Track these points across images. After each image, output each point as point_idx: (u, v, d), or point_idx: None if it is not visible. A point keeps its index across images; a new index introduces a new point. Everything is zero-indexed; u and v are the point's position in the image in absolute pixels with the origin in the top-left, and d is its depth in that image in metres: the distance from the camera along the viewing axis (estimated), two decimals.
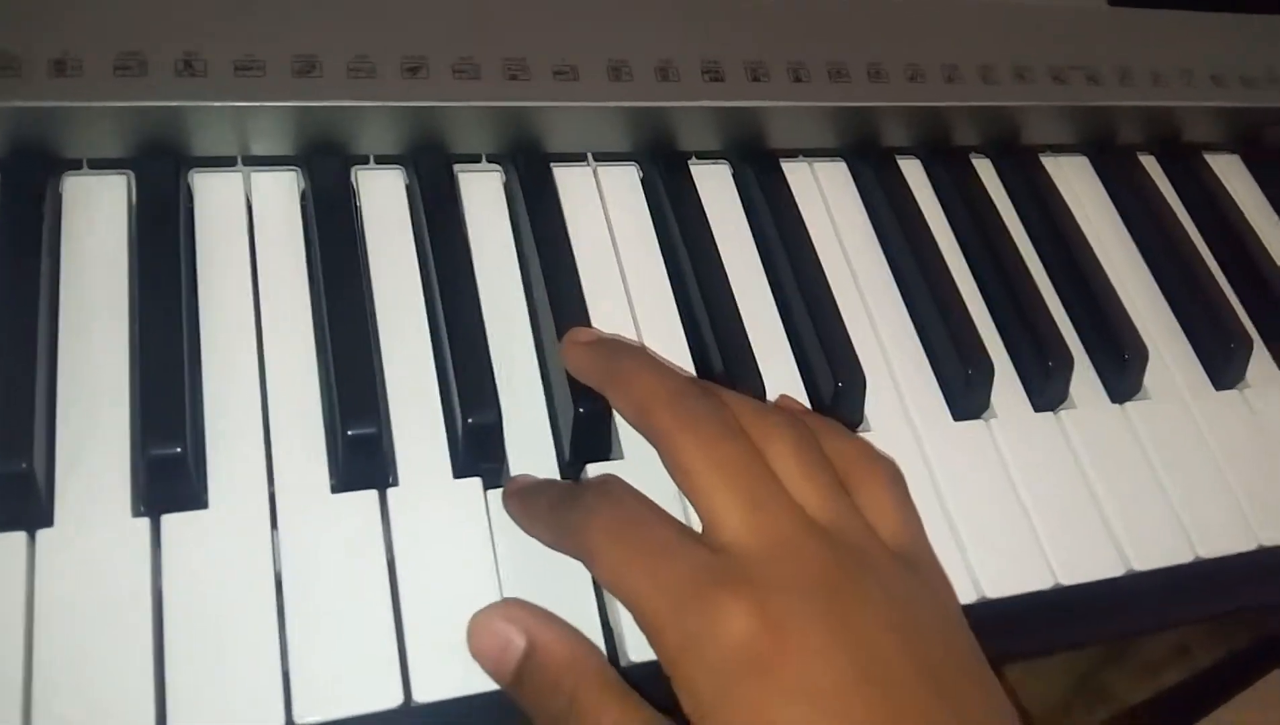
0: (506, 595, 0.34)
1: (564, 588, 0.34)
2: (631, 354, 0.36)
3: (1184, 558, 0.41)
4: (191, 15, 0.38)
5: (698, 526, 0.31)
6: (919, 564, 0.33)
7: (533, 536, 0.35)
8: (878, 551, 0.31)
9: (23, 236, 0.36)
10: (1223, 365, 0.47)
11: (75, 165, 0.39)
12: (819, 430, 0.36)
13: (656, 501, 0.32)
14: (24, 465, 0.32)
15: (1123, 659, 0.50)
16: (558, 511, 0.33)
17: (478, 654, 0.32)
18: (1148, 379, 0.45)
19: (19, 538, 0.32)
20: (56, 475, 0.33)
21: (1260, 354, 0.48)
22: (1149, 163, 0.54)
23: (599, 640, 0.34)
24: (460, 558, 0.35)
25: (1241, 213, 0.53)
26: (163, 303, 0.36)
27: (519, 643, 0.32)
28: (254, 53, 0.38)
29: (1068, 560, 0.40)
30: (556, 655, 0.31)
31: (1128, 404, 0.45)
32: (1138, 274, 0.50)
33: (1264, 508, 0.43)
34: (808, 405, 0.41)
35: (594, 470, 0.37)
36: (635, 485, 0.34)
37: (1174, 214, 0.52)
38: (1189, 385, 0.46)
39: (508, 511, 0.36)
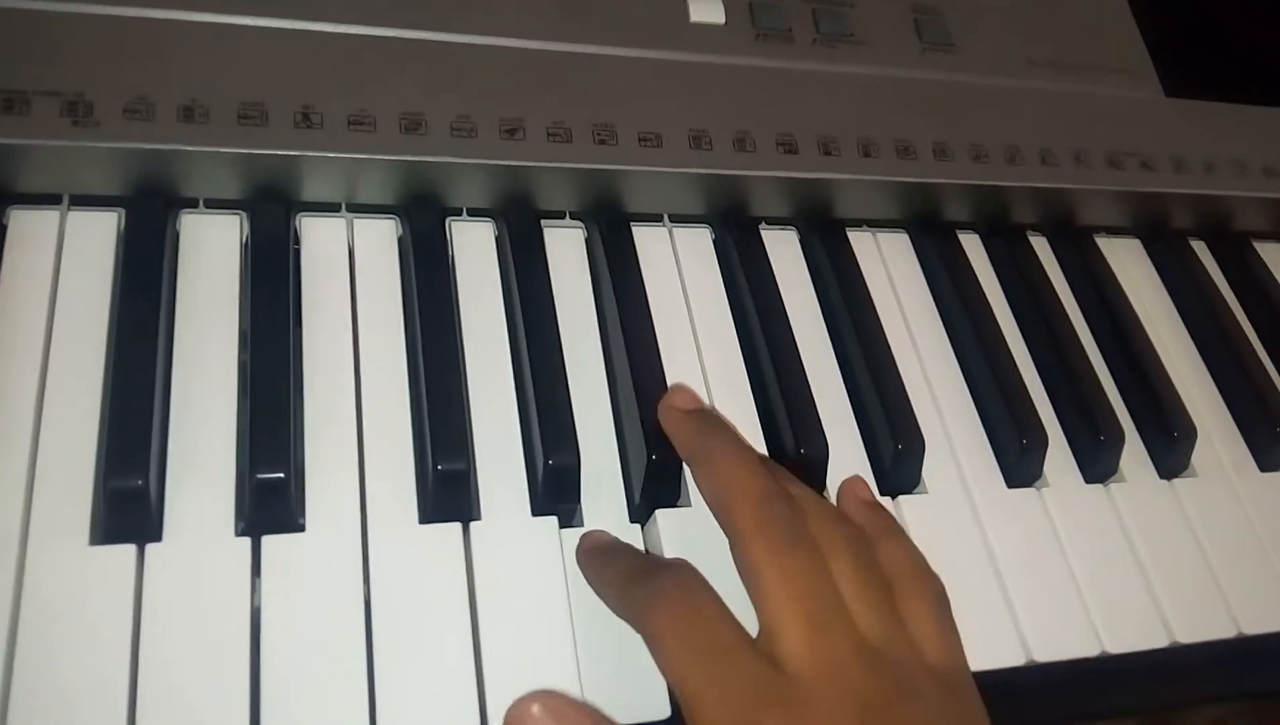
0: (578, 627, 0.36)
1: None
2: (725, 437, 0.37)
3: (1227, 632, 0.42)
4: (311, 71, 0.41)
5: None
6: (957, 685, 0.34)
7: (599, 596, 0.36)
8: (921, 674, 0.33)
9: (144, 269, 0.39)
10: (1268, 447, 0.48)
11: (192, 204, 0.42)
12: (878, 532, 0.37)
13: (719, 555, 0.34)
14: (139, 482, 0.34)
15: None
16: (628, 587, 0.35)
17: None
18: (1195, 457, 0.47)
19: (129, 551, 0.34)
20: (167, 493, 0.35)
21: None
22: (1200, 248, 0.56)
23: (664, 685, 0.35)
24: (536, 592, 0.36)
25: None
26: (271, 336, 0.38)
27: None
28: (366, 109, 0.41)
29: (1114, 628, 0.41)
30: None
31: (1176, 480, 0.46)
32: (1187, 355, 0.52)
33: None
34: (867, 466, 0.43)
35: (662, 517, 0.39)
36: (699, 535, 0.37)
37: (1223, 298, 0.54)
38: (1235, 465, 0.48)
39: (579, 566, 0.37)
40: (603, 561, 0.37)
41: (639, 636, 0.35)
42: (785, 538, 0.33)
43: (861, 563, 0.34)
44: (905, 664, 0.33)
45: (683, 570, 0.34)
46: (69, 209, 0.40)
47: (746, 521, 0.34)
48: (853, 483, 0.41)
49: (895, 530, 0.39)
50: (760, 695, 0.30)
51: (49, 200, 0.40)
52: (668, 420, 0.39)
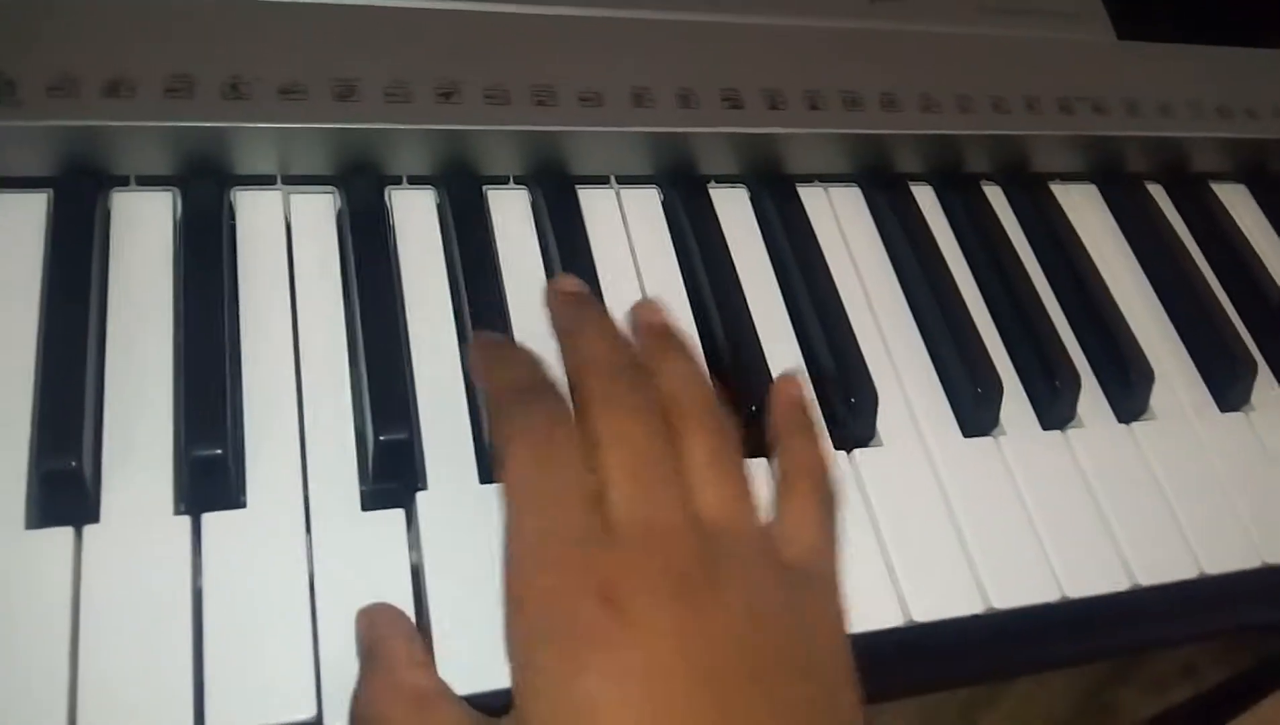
0: None
1: None
2: (593, 317, 0.36)
3: (1189, 573, 0.42)
4: (238, 40, 0.40)
5: None
6: (811, 584, 0.33)
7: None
8: (758, 559, 0.31)
9: (74, 249, 0.38)
10: (1227, 388, 0.48)
11: (123, 182, 0.41)
12: (794, 429, 0.36)
13: None
14: (73, 463, 0.33)
15: (1131, 676, 0.51)
16: (505, 402, 0.33)
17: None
18: (1154, 400, 0.47)
19: (66, 533, 0.33)
20: (103, 474, 0.35)
21: (1264, 377, 0.49)
22: (1156, 191, 0.56)
23: None
24: (485, 561, 0.36)
25: (1247, 240, 0.54)
26: (206, 313, 0.37)
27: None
28: (297, 77, 0.40)
29: (1074, 573, 0.41)
30: (387, 644, 0.33)
31: (1134, 424, 0.46)
32: (1144, 298, 0.52)
33: (1268, 526, 0.44)
34: (821, 421, 0.42)
35: None
36: None
37: (1180, 241, 0.53)
38: (1194, 407, 0.48)
39: (470, 361, 0.37)
40: (492, 364, 0.36)
41: None
42: (628, 407, 0.32)
43: (718, 443, 0.33)
44: (744, 547, 0.31)
45: (560, 408, 0.33)
46: None
47: (591, 390, 0.33)
48: (784, 382, 0.39)
49: (810, 434, 0.37)
50: (576, 546, 0.29)
51: None
52: (550, 300, 0.38)
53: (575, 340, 0.36)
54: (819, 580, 0.33)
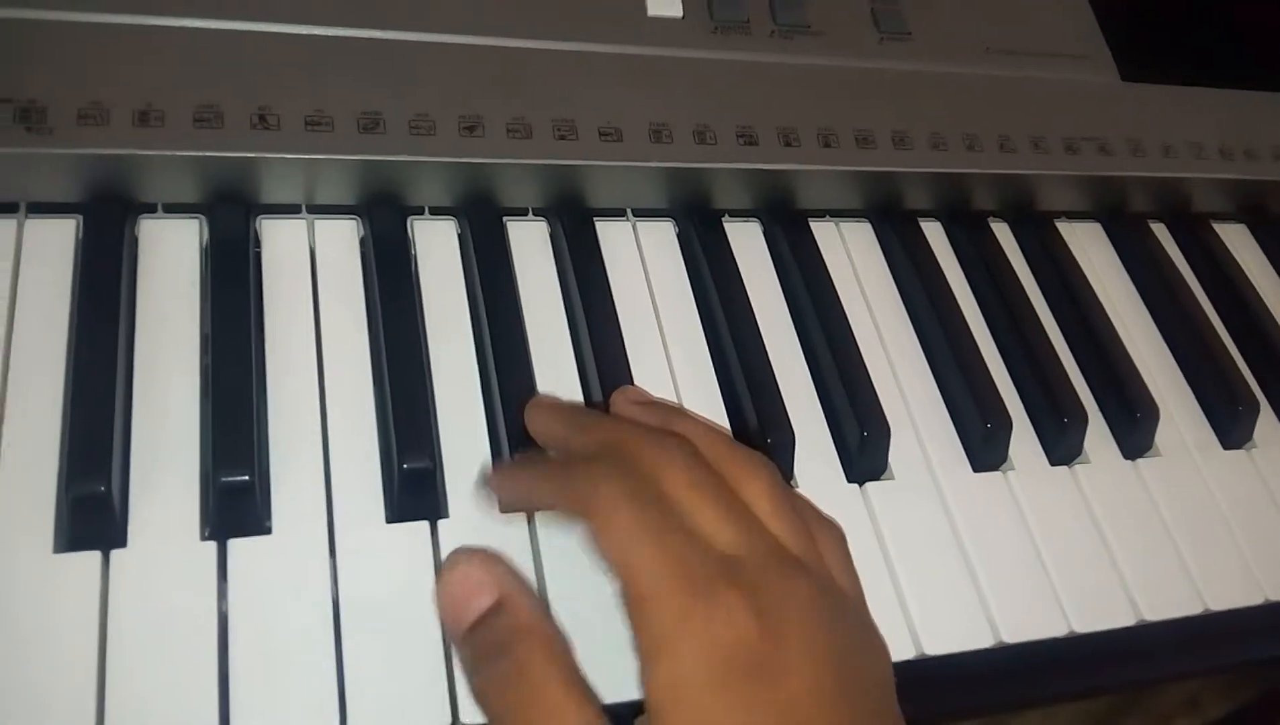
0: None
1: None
2: (593, 412, 0.37)
3: (1194, 609, 0.43)
4: (267, 72, 0.41)
5: None
6: (865, 616, 0.35)
7: (517, 505, 0.36)
8: (834, 591, 0.33)
9: (103, 275, 0.39)
10: (1230, 426, 0.49)
11: (150, 209, 0.42)
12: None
13: None
14: (102, 488, 0.34)
15: (1134, 709, 0.51)
16: (563, 473, 0.34)
17: (444, 595, 0.33)
18: (1158, 437, 0.47)
19: (94, 557, 0.34)
20: (131, 499, 0.35)
21: (1266, 415, 0.50)
22: (1159, 230, 0.57)
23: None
24: None
25: (1248, 279, 0.55)
26: (233, 339, 0.38)
27: (487, 597, 0.32)
28: (324, 109, 0.41)
29: (1082, 608, 0.41)
30: (519, 618, 0.31)
31: (1139, 460, 0.47)
32: (1148, 336, 0.52)
33: (1270, 563, 0.45)
34: (834, 454, 0.43)
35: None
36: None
37: (1183, 279, 0.54)
38: (1198, 444, 0.48)
39: (497, 491, 0.37)
40: (519, 469, 0.36)
41: (603, 623, 0.34)
42: (683, 459, 0.33)
43: (778, 489, 0.34)
44: (826, 579, 0.33)
45: (616, 454, 0.33)
46: (26, 216, 0.40)
47: (639, 456, 0.33)
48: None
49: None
50: (714, 569, 0.29)
51: (6, 208, 0.40)
52: (537, 420, 0.38)
53: (592, 431, 0.35)
54: (865, 611, 0.35)
